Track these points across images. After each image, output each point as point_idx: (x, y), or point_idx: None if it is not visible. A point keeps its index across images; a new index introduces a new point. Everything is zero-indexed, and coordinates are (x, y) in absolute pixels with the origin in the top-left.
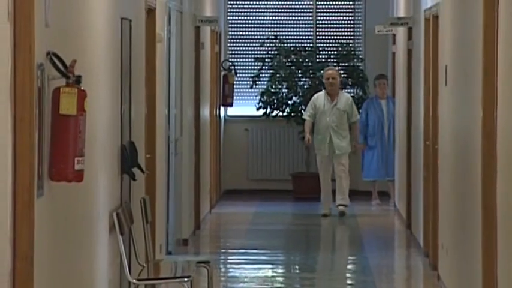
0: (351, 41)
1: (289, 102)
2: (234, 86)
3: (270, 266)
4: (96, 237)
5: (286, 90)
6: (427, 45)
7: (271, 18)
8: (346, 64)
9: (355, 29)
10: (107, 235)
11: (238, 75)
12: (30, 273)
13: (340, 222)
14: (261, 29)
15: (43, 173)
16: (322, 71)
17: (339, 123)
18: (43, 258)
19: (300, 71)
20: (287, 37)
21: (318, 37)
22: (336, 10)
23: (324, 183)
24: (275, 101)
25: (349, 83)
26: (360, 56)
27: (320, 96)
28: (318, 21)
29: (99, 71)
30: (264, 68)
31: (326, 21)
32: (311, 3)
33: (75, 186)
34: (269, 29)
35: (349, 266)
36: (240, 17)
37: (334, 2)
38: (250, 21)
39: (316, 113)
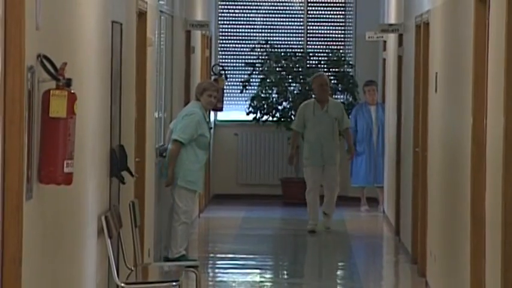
0: (341, 47)
1: (279, 107)
2: (224, 91)
3: (258, 271)
4: (85, 240)
5: (276, 96)
6: (418, 52)
7: (262, 23)
8: (337, 70)
9: (346, 35)
10: (96, 238)
11: (228, 79)
12: (18, 276)
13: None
14: (251, 34)
15: (32, 175)
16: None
17: (330, 131)
18: (32, 261)
19: (290, 77)
20: (278, 42)
21: (308, 43)
22: (327, 16)
23: (313, 198)
24: (265, 106)
25: (339, 89)
26: (350, 62)
27: (309, 105)
28: (308, 27)
29: (90, 74)
30: (254, 73)
31: (317, 27)
32: (302, 8)
33: (64, 189)
34: (260, 34)
35: (337, 272)
36: (230, 22)
37: (325, 8)
38: (241, 26)
39: (305, 122)
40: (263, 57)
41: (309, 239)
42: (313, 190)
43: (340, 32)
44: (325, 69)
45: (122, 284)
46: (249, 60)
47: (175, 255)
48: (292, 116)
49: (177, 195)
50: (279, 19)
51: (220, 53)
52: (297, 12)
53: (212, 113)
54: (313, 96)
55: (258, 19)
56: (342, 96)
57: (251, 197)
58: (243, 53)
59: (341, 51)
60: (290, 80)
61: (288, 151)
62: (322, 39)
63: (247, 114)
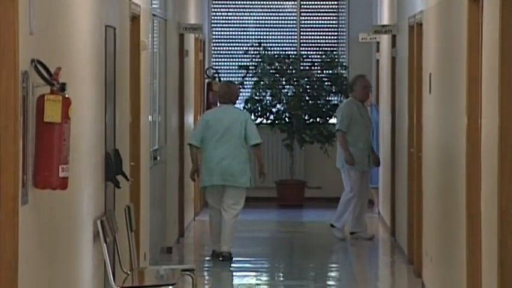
0: (334, 48)
1: (273, 109)
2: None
3: (254, 273)
4: (81, 244)
5: (270, 98)
6: (411, 52)
7: (255, 25)
8: (330, 72)
9: (339, 37)
10: (91, 243)
11: (222, 82)
12: (14, 281)
13: (324, 230)
14: (245, 37)
15: (27, 180)
16: (306, 79)
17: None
18: (28, 266)
19: (284, 79)
20: (271, 44)
21: (301, 45)
22: (320, 18)
23: (363, 205)
24: (259, 108)
25: (333, 91)
26: (344, 64)
27: (352, 105)
28: (301, 29)
29: (84, 79)
30: (248, 75)
31: (310, 29)
32: (295, 10)
33: (59, 193)
34: (253, 37)
35: (333, 274)
36: (224, 25)
37: (318, 10)
38: (234, 29)
39: (351, 124)
40: (256, 59)
41: (305, 241)
42: (365, 199)
43: (333, 33)
44: (319, 71)
45: None
46: (242, 63)
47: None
48: (287, 119)
49: None
50: (272, 21)
51: (213, 56)
52: (290, 14)
53: None
54: (347, 96)
55: (251, 21)
56: (335, 98)
57: (246, 200)
58: (236, 55)
59: (334, 52)
60: (284, 82)
61: (282, 154)
62: (316, 41)
63: None
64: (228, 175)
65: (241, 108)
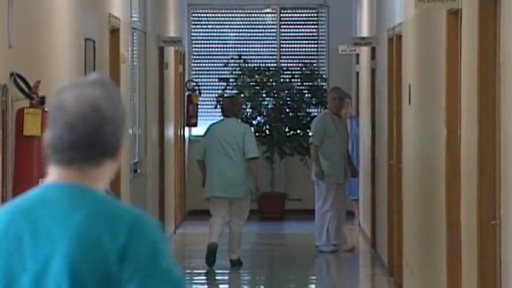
0: (314, 60)
1: (254, 122)
2: (198, 106)
3: (235, 285)
4: None
5: (250, 110)
6: (391, 64)
7: (235, 38)
8: (310, 84)
9: (319, 49)
10: None
11: (202, 95)
12: None
13: (305, 242)
14: (224, 49)
15: (7, 194)
16: (286, 91)
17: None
18: None
19: (264, 91)
20: (251, 57)
21: (281, 57)
22: (300, 30)
23: (341, 218)
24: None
25: (313, 103)
26: (324, 76)
27: (326, 118)
28: (281, 41)
29: None
30: (228, 88)
31: (290, 41)
32: (275, 23)
33: None
34: (233, 49)
35: (314, 286)
36: (203, 37)
37: (297, 22)
38: (214, 42)
39: (324, 137)
40: (236, 72)
41: (285, 253)
42: (343, 212)
43: (313, 45)
44: (299, 83)
45: None
46: (222, 76)
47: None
48: (267, 131)
49: None
50: (251, 34)
51: (193, 68)
52: (270, 26)
53: (186, 128)
54: (325, 108)
55: (231, 34)
56: (315, 110)
57: None
58: (216, 68)
59: (314, 65)
60: (264, 95)
61: (262, 166)
62: (295, 53)
63: None
64: (229, 186)
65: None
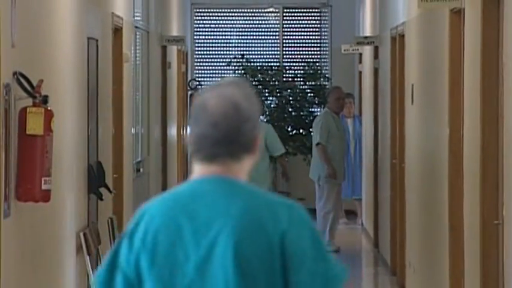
0: (317, 60)
1: None
2: None
3: None
4: (64, 257)
5: None
6: (393, 64)
7: (237, 37)
8: (313, 83)
9: (322, 48)
10: (74, 255)
11: None
12: None
13: None
14: (227, 48)
15: (10, 193)
16: (289, 90)
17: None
18: (10, 280)
19: (266, 90)
20: (254, 56)
21: (284, 56)
22: (303, 29)
23: (336, 217)
24: None
25: (316, 102)
26: (327, 75)
27: (328, 117)
28: (284, 41)
29: (66, 91)
30: None
31: (292, 41)
32: (277, 22)
33: (42, 206)
34: (235, 48)
35: None
36: (206, 37)
37: (300, 22)
38: (216, 41)
39: (329, 136)
40: (239, 71)
41: None
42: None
43: (315, 45)
44: (302, 83)
45: None
46: (225, 75)
47: None
48: None
49: None
50: (254, 33)
51: (196, 68)
52: (273, 26)
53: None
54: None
55: (234, 33)
56: (318, 109)
57: None
58: (219, 67)
59: (317, 64)
60: (267, 94)
61: None
62: (298, 52)
63: None
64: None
65: (264, 121)
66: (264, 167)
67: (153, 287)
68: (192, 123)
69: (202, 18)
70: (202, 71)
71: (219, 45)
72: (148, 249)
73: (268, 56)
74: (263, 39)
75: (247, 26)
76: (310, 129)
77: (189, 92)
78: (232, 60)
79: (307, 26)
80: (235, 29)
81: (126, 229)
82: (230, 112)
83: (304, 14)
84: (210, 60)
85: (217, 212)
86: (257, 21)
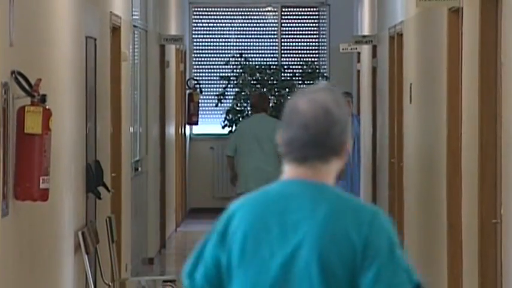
0: (315, 59)
1: None
2: (199, 105)
3: None
4: (62, 256)
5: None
6: (392, 63)
7: (236, 36)
8: (311, 82)
9: (320, 47)
10: (73, 254)
11: (203, 93)
12: None
13: None
14: (226, 48)
15: (8, 192)
16: (287, 89)
17: None
18: (7, 279)
19: (265, 89)
20: (252, 55)
21: (282, 55)
22: (301, 28)
23: None
24: (240, 119)
25: None
26: (325, 74)
27: None
28: (282, 40)
29: (64, 90)
30: (229, 86)
31: (291, 40)
32: (276, 21)
33: (40, 205)
34: (234, 48)
35: None
36: (205, 36)
37: (298, 21)
38: (215, 40)
39: None
40: (238, 70)
41: None
42: None
43: (314, 44)
44: (300, 82)
45: None
46: (223, 74)
47: None
48: None
49: None
50: (253, 32)
51: (194, 66)
52: (271, 24)
53: (187, 126)
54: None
55: (232, 32)
56: None
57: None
58: (217, 66)
59: (315, 63)
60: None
61: None
62: (297, 51)
63: (223, 127)
64: (263, 181)
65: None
66: (276, 162)
67: (241, 282)
68: (283, 126)
69: (201, 17)
70: (201, 70)
71: (217, 44)
72: (237, 247)
73: (266, 55)
74: (261, 38)
75: (246, 24)
76: None
77: (188, 91)
78: (231, 59)
79: (306, 25)
80: (233, 28)
81: (215, 226)
82: (320, 116)
83: (302, 13)
84: (208, 59)
85: (304, 214)
86: (255, 20)
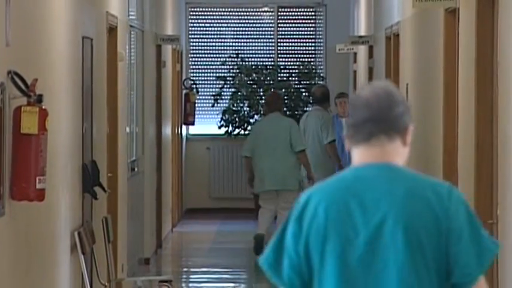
0: (312, 59)
1: (251, 120)
2: (196, 105)
3: (232, 284)
4: (58, 256)
5: (247, 109)
6: (388, 63)
7: (232, 36)
8: (308, 82)
9: (317, 48)
10: (69, 254)
11: (199, 93)
12: None
13: None
14: (222, 48)
15: (4, 192)
16: (283, 90)
17: None
18: (4, 279)
19: (261, 90)
20: (248, 55)
21: (279, 56)
22: (297, 29)
23: None
24: (237, 119)
25: (311, 101)
26: (321, 75)
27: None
28: (279, 40)
29: (61, 90)
30: (225, 86)
31: (287, 40)
32: (272, 21)
33: (36, 205)
34: (230, 47)
35: None
36: (201, 36)
37: (295, 21)
38: (211, 40)
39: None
40: (234, 70)
41: None
42: None
43: (310, 44)
44: (296, 82)
45: None
46: (220, 74)
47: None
48: None
49: None
50: (249, 32)
51: (191, 67)
52: (268, 25)
53: (184, 127)
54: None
55: (229, 32)
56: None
57: (224, 211)
58: (214, 66)
59: (312, 63)
60: (261, 93)
61: None
62: (293, 51)
63: (219, 128)
64: (279, 180)
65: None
66: (291, 161)
67: (331, 263)
68: (349, 116)
69: (197, 17)
70: (197, 70)
71: (213, 44)
72: (320, 230)
73: (262, 55)
74: (258, 38)
75: (242, 25)
76: None
77: (184, 91)
78: (227, 59)
79: (302, 25)
80: (230, 28)
81: (292, 213)
82: (382, 95)
83: (299, 13)
84: (204, 59)
85: (382, 194)
86: (252, 20)
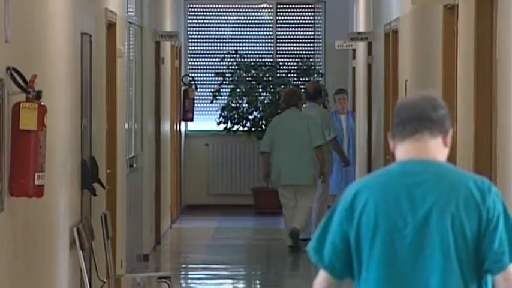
0: (311, 56)
1: (250, 117)
2: (195, 101)
3: (231, 281)
4: (57, 252)
5: (246, 105)
6: (387, 60)
7: (231, 33)
8: (307, 79)
9: (315, 44)
10: (68, 251)
11: (198, 90)
12: None
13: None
14: (221, 44)
15: (3, 188)
16: (282, 86)
17: None
18: (3, 275)
19: (260, 86)
20: (247, 52)
21: (278, 52)
22: (296, 25)
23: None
24: (236, 115)
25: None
26: (320, 71)
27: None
28: (278, 36)
29: (60, 86)
30: (224, 82)
31: (286, 36)
32: (271, 18)
33: (35, 201)
34: (229, 44)
35: (310, 281)
36: (200, 32)
37: (294, 17)
38: (210, 36)
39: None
40: (233, 67)
41: (281, 248)
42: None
43: (309, 41)
44: (295, 79)
45: None
46: (219, 70)
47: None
48: (263, 126)
49: None
50: (248, 28)
51: (190, 63)
52: (267, 21)
53: (182, 123)
54: (324, 106)
55: (227, 29)
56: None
57: (223, 207)
58: (212, 63)
59: (311, 60)
60: (260, 90)
61: (258, 161)
62: (292, 48)
63: (218, 124)
64: (295, 175)
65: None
66: (309, 157)
67: (378, 252)
68: (395, 116)
69: (196, 13)
70: (196, 67)
71: (212, 40)
72: (370, 221)
73: (261, 52)
74: (257, 34)
75: (241, 21)
76: None
77: (183, 88)
78: (226, 55)
79: (301, 21)
80: (228, 25)
81: (338, 204)
82: (427, 98)
83: (297, 10)
84: (203, 55)
85: (429, 187)
86: (251, 17)
